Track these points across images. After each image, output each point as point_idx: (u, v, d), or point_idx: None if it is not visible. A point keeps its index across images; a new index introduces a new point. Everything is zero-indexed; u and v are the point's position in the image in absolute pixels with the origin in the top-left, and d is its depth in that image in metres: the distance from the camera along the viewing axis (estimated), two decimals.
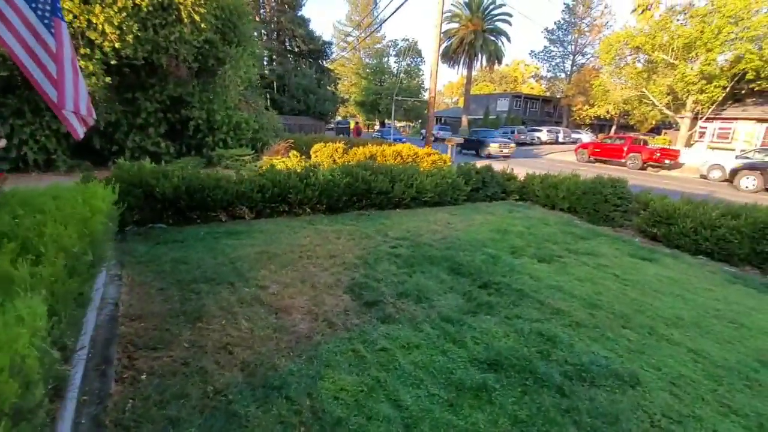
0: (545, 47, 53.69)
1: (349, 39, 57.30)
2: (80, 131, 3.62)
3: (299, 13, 32.99)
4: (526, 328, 3.25)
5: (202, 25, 10.82)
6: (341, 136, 28.78)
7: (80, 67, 9.29)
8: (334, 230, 5.72)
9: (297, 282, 3.90)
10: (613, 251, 5.60)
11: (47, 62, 3.31)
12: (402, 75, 56.93)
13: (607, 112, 45.21)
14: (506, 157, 23.97)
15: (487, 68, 49.97)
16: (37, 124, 10.47)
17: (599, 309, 3.72)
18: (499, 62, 48.67)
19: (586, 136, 43.31)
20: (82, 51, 9.03)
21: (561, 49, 52.41)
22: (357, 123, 38.13)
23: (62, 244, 2.28)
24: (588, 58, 50.79)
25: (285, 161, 12.34)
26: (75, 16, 8.74)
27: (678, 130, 26.39)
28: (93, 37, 9.00)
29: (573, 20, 50.94)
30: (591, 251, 5.48)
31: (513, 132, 37.23)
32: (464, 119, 49.71)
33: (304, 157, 12.74)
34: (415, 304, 3.58)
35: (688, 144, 25.13)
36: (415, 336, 3.06)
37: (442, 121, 60.79)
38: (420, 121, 55.66)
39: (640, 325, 3.48)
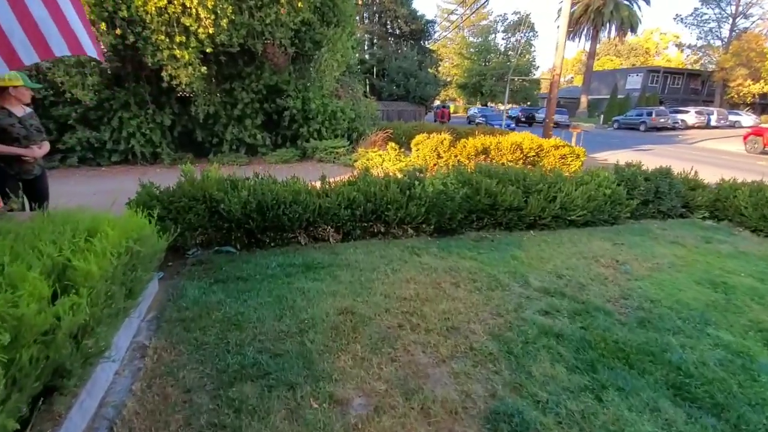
0: (695, 9, 43.98)
1: (453, 17, 54.01)
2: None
3: None
4: None
5: (299, 4, 9.73)
6: (443, 123, 26.68)
7: (176, 56, 8.91)
8: (447, 269, 3.99)
9: (396, 395, 2.28)
10: None
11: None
12: (510, 53, 51.95)
13: None
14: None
15: (617, 39, 42.75)
16: (143, 116, 10.51)
17: None
18: (633, 30, 41.33)
19: (747, 118, 34.62)
20: (177, 39, 8.53)
21: (717, 11, 42.47)
22: (443, 107, 35.05)
23: None
24: (755, 21, 40.40)
25: (382, 155, 10.91)
26: (169, 1, 8.20)
27: None
28: (188, 24, 8.42)
29: None
30: None
31: (650, 114, 31.06)
32: (584, 99, 43.64)
33: (403, 150, 11.18)
34: None
35: None
36: None
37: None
38: (529, 103, 50.50)
39: None
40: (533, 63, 52.85)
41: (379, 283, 3.62)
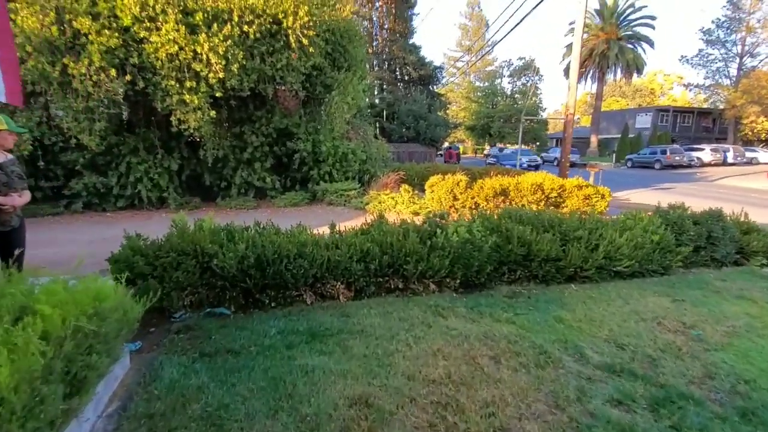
0: (700, 51, 44.51)
1: (459, 64, 55.82)
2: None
3: (410, 41, 32.37)
4: None
5: (311, 50, 9.69)
6: (452, 164, 26.53)
7: (186, 101, 8.77)
8: (481, 336, 3.31)
9: None
10: None
11: None
12: (517, 95, 52.93)
13: None
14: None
15: (624, 80, 43.31)
16: (151, 162, 10.30)
17: None
18: (639, 72, 41.89)
19: (764, 154, 33.95)
20: (188, 84, 8.41)
21: (722, 51, 43.00)
22: (450, 147, 34.90)
23: None
24: (762, 60, 40.64)
25: (395, 197, 10.44)
26: (181, 48, 8.15)
27: None
28: (198, 69, 8.33)
29: (738, 16, 41.51)
30: None
31: (664, 152, 30.61)
32: (594, 139, 43.54)
33: (416, 191, 10.71)
34: None
35: None
36: None
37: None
38: (538, 143, 50.73)
39: None
40: (540, 105, 53.70)
41: (399, 357, 2.95)
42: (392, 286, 4.12)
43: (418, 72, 31.09)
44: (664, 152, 31.09)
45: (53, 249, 6.80)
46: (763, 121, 36.42)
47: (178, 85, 8.41)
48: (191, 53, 8.24)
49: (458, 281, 4.19)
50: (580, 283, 4.62)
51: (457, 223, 4.47)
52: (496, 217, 4.72)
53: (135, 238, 3.60)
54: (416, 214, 9.85)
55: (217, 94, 8.78)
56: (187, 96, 8.47)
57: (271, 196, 11.84)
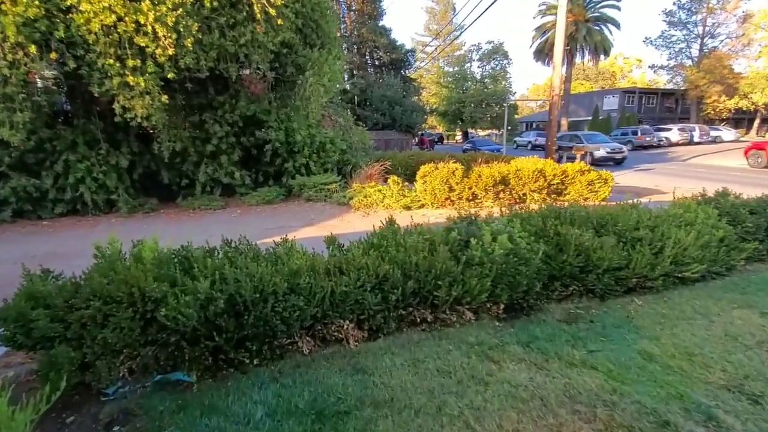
0: (663, 32, 45.37)
1: (428, 49, 54.63)
2: None
3: (380, 23, 30.90)
4: None
5: (279, 22, 8.33)
6: (425, 151, 25.57)
7: (130, 84, 7.27)
8: (563, 397, 2.33)
9: None
10: None
11: None
12: (486, 80, 52.48)
13: (753, 103, 36.27)
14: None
15: (592, 62, 43.60)
16: (93, 158, 8.72)
17: None
18: (606, 54, 42.22)
19: (727, 133, 35.08)
20: (131, 63, 6.92)
21: (684, 32, 43.90)
22: (422, 134, 34.02)
23: None
24: (722, 41, 41.72)
25: (382, 190, 9.34)
26: (119, 18, 6.65)
27: None
28: (143, 44, 6.85)
29: None
30: None
31: (635, 133, 30.94)
32: (564, 122, 43.63)
33: (406, 184, 9.65)
34: None
35: None
36: None
37: (533, 126, 54.72)
38: (510, 128, 50.62)
39: None
40: (510, 89, 53.50)
41: None
42: (416, 318, 3.08)
43: (390, 56, 29.76)
44: (635, 133, 31.47)
45: None
46: (725, 100, 37.51)
47: (118, 65, 6.91)
48: (133, 25, 6.74)
49: (503, 304, 3.18)
50: (640, 295, 3.73)
51: (490, 225, 3.44)
52: (536, 214, 3.72)
53: (37, 278, 2.37)
54: (407, 208, 8.83)
55: (169, 76, 7.32)
56: (131, 77, 6.99)
57: (241, 193, 10.49)
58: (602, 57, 44.20)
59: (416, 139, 34.40)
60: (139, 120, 7.48)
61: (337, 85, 11.29)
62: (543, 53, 41.58)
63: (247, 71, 10.03)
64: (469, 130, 55.58)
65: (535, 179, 8.56)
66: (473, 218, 3.50)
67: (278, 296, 2.50)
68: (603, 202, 9.20)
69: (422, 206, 8.86)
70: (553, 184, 8.82)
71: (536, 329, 3.13)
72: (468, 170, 8.79)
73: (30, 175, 8.63)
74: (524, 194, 8.79)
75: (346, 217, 8.42)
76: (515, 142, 37.81)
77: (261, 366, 2.65)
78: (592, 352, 2.82)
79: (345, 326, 2.82)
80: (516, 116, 53.43)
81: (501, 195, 8.54)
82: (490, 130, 58.48)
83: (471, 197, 8.60)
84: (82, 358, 2.24)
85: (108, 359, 2.30)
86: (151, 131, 9.34)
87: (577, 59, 44.24)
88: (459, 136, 58.71)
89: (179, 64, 7.46)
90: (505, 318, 3.31)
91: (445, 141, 54.59)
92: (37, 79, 9.35)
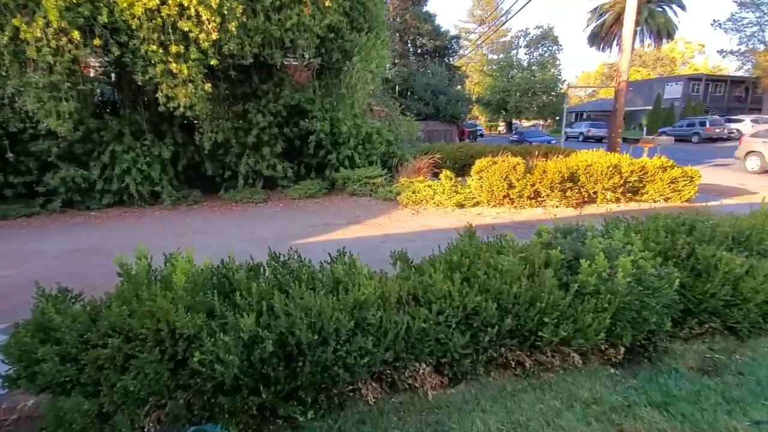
0: (733, 14, 41.03)
1: (471, 37, 52.55)
2: None
3: (424, 9, 29.75)
4: None
5: (327, 4, 7.75)
6: (470, 142, 24.42)
7: (173, 72, 6.92)
8: None
9: None
10: None
11: None
12: (534, 67, 49.90)
13: None
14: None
15: (653, 47, 40.28)
16: (138, 149, 8.59)
17: None
18: (670, 37, 38.73)
19: None
20: (174, 49, 6.58)
21: (757, 14, 39.43)
22: (462, 125, 32.35)
23: None
24: None
25: (432, 186, 8.63)
26: (162, 1, 6.30)
27: None
28: (186, 28, 6.48)
29: None
30: None
31: (703, 124, 28.19)
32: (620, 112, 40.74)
33: (458, 179, 8.88)
34: None
35: None
36: None
37: (582, 117, 51.48)
38: (558, 118, 48.11)
39: None
40: (559, 77, 50.63)
41: None
42: (510, 360, 2.40)
43: (434, 43, 28.62)
44: (702, 124, 28.71)
45: (5, 270, 5.19)
46: None
47: (161, 51, 6.59)
48: (176, 8, 6.37)
49: (622, 350, 2.44)
50: None
51: (597, 238, 2.68)
52: (661, 226, 2.91)
53: (53, 301, 1.90)
54: (460, 206, 8.08)
55: (212, 62, 6.94)
56: (174, 65, 6.65)
57: (283, 186, 10.12)
58: (664, 41, 40.70)
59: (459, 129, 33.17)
60: (182, 110, 7.18)
61: (385, 73, 10.61)
62: (599, 37, 38.67)
63: (293, 59, 9.56)
64: (513, 121, 53.32)
65: (610, 176, 7.54)
66: (580, 229, 2.75)
67: (341, 336, 1.91)
68: (687, 203, 8.05)
69: (477, 204, 8.08)
70: (630, 182, 7.76)
71: (669, 382, 2.37)
72: (532, 165, 7.89)
73: (78, 166, 8.63)
74: (595, 193, 7.79)
75: (395, 215, 7.80)
76: (565, 133, 35.52)
77: (316, 420, 2.09)
78: (757, 424, 2.05)
79: (420, 370, 2.20)
80: (564, 106, 50.68)
81: (569, 194, 7.60)
82: (535, 121, 55.89)
83: (533, 195, 7.72)
84: (99, 409, 1.76)
85: (130, 410, 1.80)
86: (194, 121, 9.11)
87: (636, 44, 41.02)
88: (502, 127, 56.38)
89: (223, 50, 7.06)
90: (621, 363, 2.56)
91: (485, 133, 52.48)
92: (90, 70, 9.36)
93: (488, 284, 2.23)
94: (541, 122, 55.72)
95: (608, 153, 8.70)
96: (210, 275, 2.11)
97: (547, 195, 7.71)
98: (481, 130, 44.83)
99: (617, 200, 7.96)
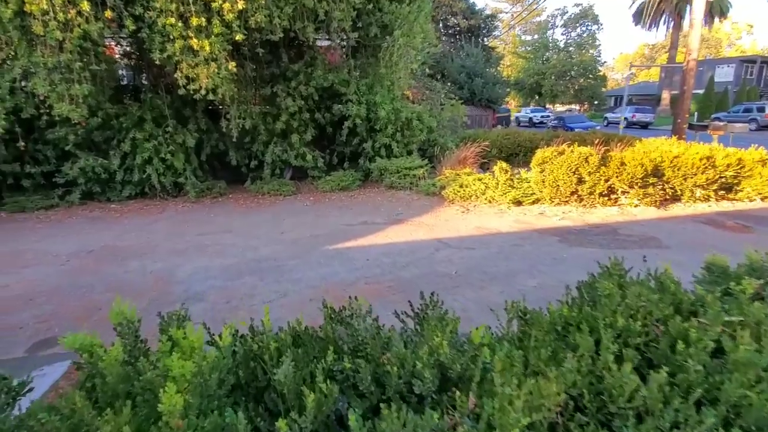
0: None
1: (503, 17, 49.89)
2: None
3: None
4: None
5: None
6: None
7: (194, 48, 6.00)
8: None
9: None
10: None
11: None
12: (571, 48, 46.98)
13: None
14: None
15: (706, 26, 37.04)
16: (161, 137, 7.88)
17: None
18: (724, 15, 35.52)
19: None
20: (194, 22, 5.73)
21: None
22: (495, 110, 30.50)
23: None
24: None
25: (483, 179, 7.58)
26: None
27: None
28: None
29: None
30: None
31: (762, 110, 25.76)
32: (665, 95, 38.02)
33: (515, 170, 7.77)
34: None
35: None
36: None
37: (622, 101, 48.43)
38: (597, 102, 45.46)
39: None
40: (599, 58, 47.62)
41: None
42: None
43: (468, 22, 26.96)
44: (761, 110, 26.22)
45: (4, 278, 4.54)
46: None
47: (181, 24, 5.75)
48: None
49: None
50: None
51: None
52: None
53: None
54: (518, 203, 7.03)
55: (237, 37, 6.06)
56: (195, 40, 5.81)
57: (313, 177, 9.28)
58: (716, 20, 37.42)
59: (500, 116, 31.34)
60: (203, 92, 6.37)
61: (430, 49, 9.50)
62: (645, 15, 35.81)
63: (326, 38, 8.58)
64: (547, 105, 50.68)
65: (702, 170, 6.30)
66: None
67: None
68: None
69: (536, 201, 7.01)
70: (724, 177, 6.50)
71: None
72: (607, 156, 6.72)
73: (98, 155, 8.02)
74: (681, 190, 6.58)
75: (442, 213, 6.83)
76: (605, 118, 33.18)
77: None
78: None
79: None
80: (603, 89, 47.62)
81: (650, 190, 6.41)
82: (570, 105, 52.99)
83: (606, 192, 6.58)
84: None
85: None
86: (219, 107, 8.32)
87: (685, 23, 37.82)
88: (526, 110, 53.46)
89: (249, 23, 6.18)
90: None
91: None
92: (114, 50, 8.64)
93: (711, 386, 1.25)
94: (576, 107, 52.82)
95: (700, 144, 7.41)
96: (233, 362, 1.23)
97: (623, 192, 6.54)
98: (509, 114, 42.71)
99: (707, 198, 6.72)
